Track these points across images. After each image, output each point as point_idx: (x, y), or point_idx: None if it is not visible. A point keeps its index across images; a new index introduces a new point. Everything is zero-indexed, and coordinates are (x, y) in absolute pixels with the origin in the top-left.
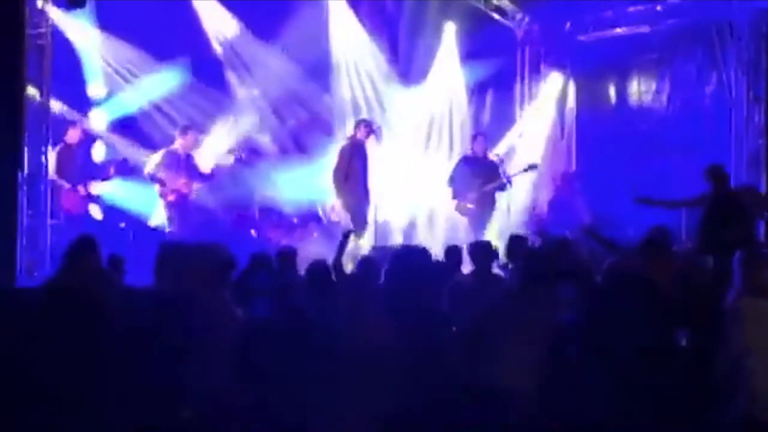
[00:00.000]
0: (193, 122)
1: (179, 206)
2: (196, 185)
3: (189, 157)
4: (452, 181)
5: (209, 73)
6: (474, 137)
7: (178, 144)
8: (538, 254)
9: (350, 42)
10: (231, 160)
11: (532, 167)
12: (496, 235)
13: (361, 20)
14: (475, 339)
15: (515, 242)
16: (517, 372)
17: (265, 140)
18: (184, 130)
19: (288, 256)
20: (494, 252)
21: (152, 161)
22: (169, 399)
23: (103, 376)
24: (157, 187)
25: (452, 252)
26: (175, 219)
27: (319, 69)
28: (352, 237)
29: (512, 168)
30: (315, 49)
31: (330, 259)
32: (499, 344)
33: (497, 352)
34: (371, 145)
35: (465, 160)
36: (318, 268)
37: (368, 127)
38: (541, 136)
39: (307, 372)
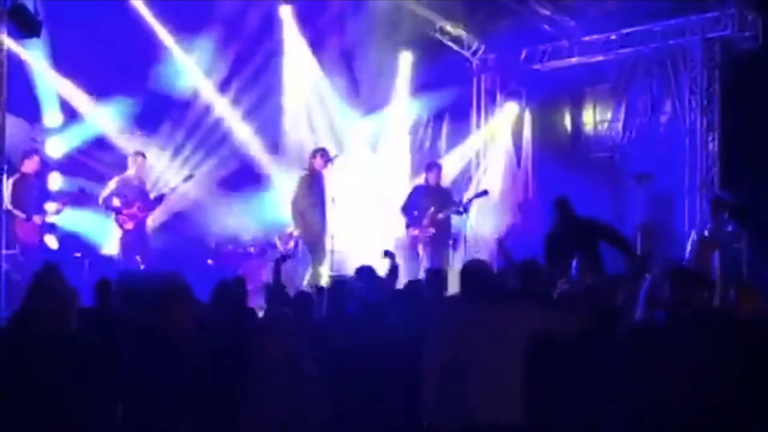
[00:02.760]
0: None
1: (136, 234)
2: (151, 212)
3: (141, 182)
4: (406, 209)
5: (163, 104)
6: (429, 167)
7: (132, 170)
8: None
9: (305, 71)
10: (184, 185)
11: (483, 193)
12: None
13: (317, 49)
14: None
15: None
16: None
17: (220, 169)
18: (136, 156)
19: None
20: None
21: (106, 189)
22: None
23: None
24: (113, 216)
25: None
26: (131, 247)
27: (274, 97)
28: (310, 266)
29: (465, 194)
30: (270, 78)
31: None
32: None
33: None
34: (328, 175)
35: (418, 189)
36: None
37: (325, 156)
38: (497, 164)
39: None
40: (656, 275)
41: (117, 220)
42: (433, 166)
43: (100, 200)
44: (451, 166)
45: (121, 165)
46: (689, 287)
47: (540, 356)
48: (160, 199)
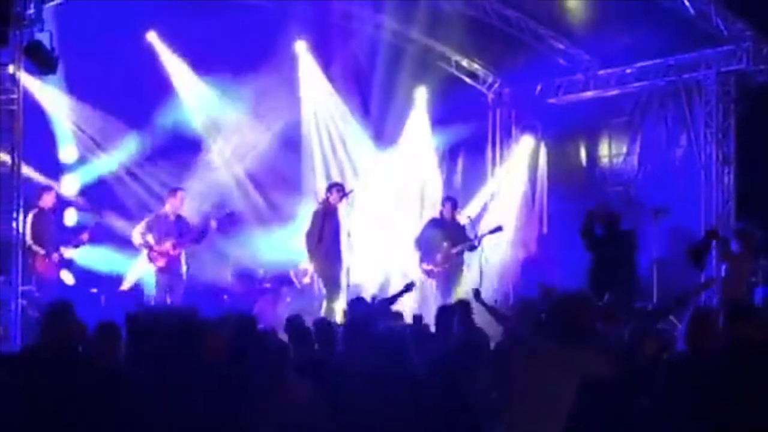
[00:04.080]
0: (167, 187)
1: (167, 271)
2: (188, 245)
3: (179, 218)
4: (419, 243)
5: (180, 140)
6: (444, 201)
7: (168, 207)
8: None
9: (322, 106)
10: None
11: (497, 229)
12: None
13: (333, 84)
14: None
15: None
16: None
17: (237, 206)
18: (173, 192)
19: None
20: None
21: (139, 227)
22: None
23: None
24: (145, 253)
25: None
26: (162, 285)
27: (290, 133)
28: (324, 300)
29: (480, 229)
30: (286, 113)
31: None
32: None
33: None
34: (343, 209)
35: (432, 223)
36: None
37: (341, 191)
38: (513, 198)
39: None
40: (699, 309)
41: (149, 257)
42: (448, 199)
43: (134, 239)
44: (468, 200)
45: (137, 200)
46: (744, 321)
47: (586, 399)
48: (201, 236)
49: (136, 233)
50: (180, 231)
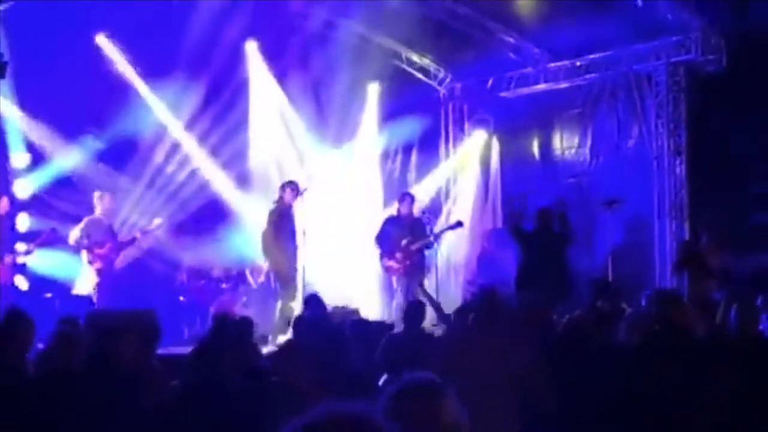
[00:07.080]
0: (118, 191)
1: (107, 274)
2: (123, 253)
3: (110, 223)
4: (379, 241)
5: (131, 144)
6: (401, 198)
7: (99, 211)
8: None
9: (273, 106)
10: (157, 228)
11: (456, 225)
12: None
13: (284, 82)
14: None
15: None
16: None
17: (189, 207)
18: (101, 197)
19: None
20: (424, 312)
21: (76, 230)
22: None
23: None
24: (84, 255)
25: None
26: (104, 287)
27: (240, 134)
28: (280, 299)
29: (437, 226)
30: (236, 115)
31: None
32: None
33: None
34: (298, 207)
35: (390, 220)
36: None
37: (295, 189)
38: (467, 193)
39: None
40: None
41: (89, 260)
42: (405, 196)
43: (72, 240)
44: (421, 195)
45: (88, 204)
46: (668, 308)
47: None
48: (131, 241)
49: (75, 237)
50: (113, 234)
